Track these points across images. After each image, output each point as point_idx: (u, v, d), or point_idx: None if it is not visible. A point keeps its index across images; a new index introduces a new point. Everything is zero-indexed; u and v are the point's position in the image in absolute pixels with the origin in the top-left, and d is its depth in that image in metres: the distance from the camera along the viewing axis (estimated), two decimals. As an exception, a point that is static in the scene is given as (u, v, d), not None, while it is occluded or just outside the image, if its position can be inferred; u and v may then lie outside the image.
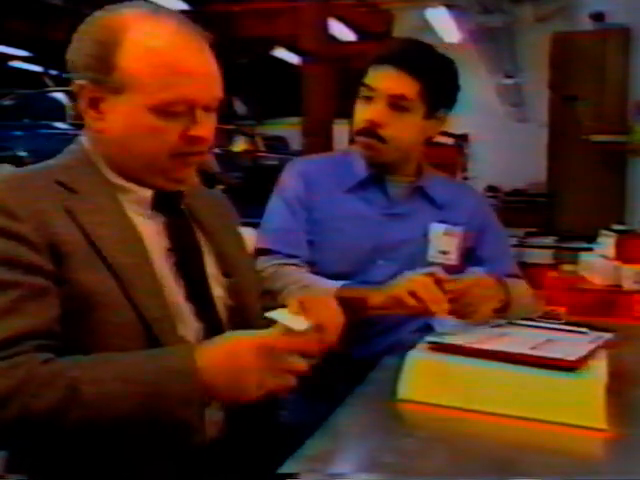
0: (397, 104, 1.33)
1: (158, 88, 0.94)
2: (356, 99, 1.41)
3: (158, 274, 0.96)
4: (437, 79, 1.35)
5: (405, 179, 1.44)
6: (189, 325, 0.98)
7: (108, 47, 0.94)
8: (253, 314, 1.09)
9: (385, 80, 1.34)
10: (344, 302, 1.24)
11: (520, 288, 1.40)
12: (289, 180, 1.46)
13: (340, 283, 1.31)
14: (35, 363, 0.82)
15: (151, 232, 1.00)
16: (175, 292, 0.98)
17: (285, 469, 0.79)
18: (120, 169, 0.99)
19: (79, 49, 0.97)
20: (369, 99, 1.36)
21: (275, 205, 1.46)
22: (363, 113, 1.36)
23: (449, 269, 1.33)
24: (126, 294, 0.91)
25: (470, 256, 1.43)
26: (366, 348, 1.38)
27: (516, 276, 1.46)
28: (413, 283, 1.20)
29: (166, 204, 1.02)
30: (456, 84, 1.42)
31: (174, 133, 0.96)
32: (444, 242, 1.36)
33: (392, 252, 1.38)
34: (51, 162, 1.02)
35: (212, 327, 1.00)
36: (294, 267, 1.37)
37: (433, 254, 1.37)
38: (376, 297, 1.26)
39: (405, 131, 1.36)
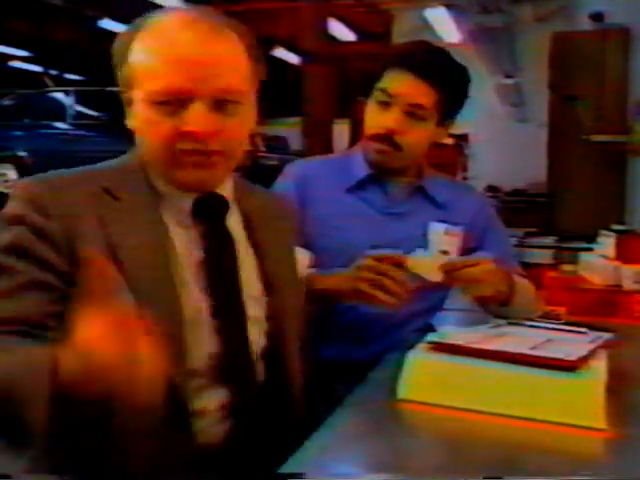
0: (414, 113, 1.34)
1: (148, 78, 0.91)
2: (366, 100, 1.41)
3: (179, 288, 0.93)
4: (455, 90, 1.36)
5: (405, 179, 1.44)
6: (205, 341, 0.95)
7: (126, 44, 0.95)
8: (289, 340, 1.05)
9: (405, 87, 1.33)
10: (313, 294, 1.26)
11: (525, 284, 1.40)
12: (281, 183, 1.47)
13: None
14: (8, 342, 0.83)
15: (185, 243, 0.96)
16: (197, 307, 0.95)
17: (285, 469, 0.79)
18: (154, 169, 0.98)
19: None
20: (386, 104, 1.35)
21: None
22: (379, 119, 1.36)
23: None
24: (139, 305, 0.87)
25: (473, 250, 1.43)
26: (365, 349, 1.38)
27: (521, 276, 1.46)
28: (366, 272, 1.20)
29: (207, 212, 0.99)
30: (467, 94, 1.42)
31: (167, 127, 0.91)
32: (444, 242, 1.36)
33: (391, 251, 1.38)
34: (106, 165, 1.01)
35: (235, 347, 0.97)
36: None
37: (433, 254, 1.37)
38: (341, 288, 1.25)
39: (419, 139, 1.37)
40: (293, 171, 1.49)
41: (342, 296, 1.27)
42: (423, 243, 1.37)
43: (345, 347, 1.40)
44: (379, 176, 1.43)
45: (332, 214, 1.41)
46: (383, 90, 1.35)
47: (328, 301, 1.30)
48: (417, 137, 1.36)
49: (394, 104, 1.34)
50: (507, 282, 1.30)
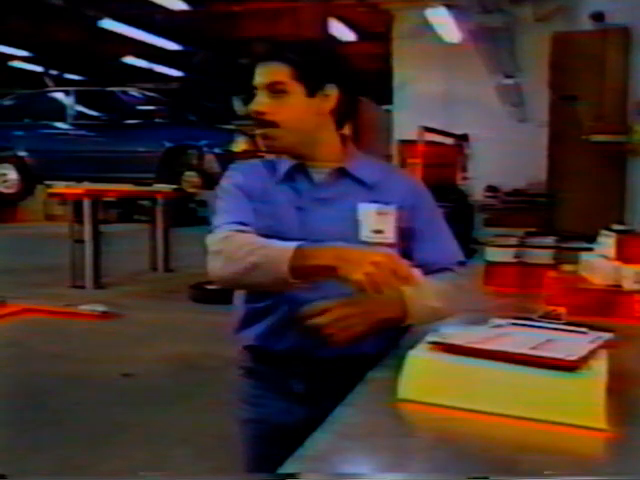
0: (274, 90, 1.42)
1: None
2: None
3: None
4: (306, 60, 1.43)
5: (328, 164, 1.47)
6: None
7: None
8: None
9: (261, 74, 1.45)
10: (303, 267, 1.25)
11: (428, 289, 1.37)
12: (224, 179, 1.52)
13: (294, 244, 1.28)
14: None
15: None
16: None
17: (285, 469, 0.79)
18: None
19: None
20: (253, 97, 1.46)
21: (218, 201, 1.49)
22: (249, 107, 1.46)
23: (387, 248, 1.34)
24: None
25: (407, 235, 1.44)
26: (328, 349, 1.34)
27: (450, 264, 1.46)
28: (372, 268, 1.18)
29: None
30: (331, 61, 1.47)
31: None
32: (378, 221, 1.38)
33: (322, 235, 1.35)
34: None
35: None
36: (247, 233, 1.38)
37: (367, 234, 1.39)
38: (349, 272, 1.21)
39: (290, 111, 1.42)
40: (232, 168, 1.55)
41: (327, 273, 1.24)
42: (354, 226, 1.38)
43: (301, 341, 1.38)
44: (304, 165, 1.47)
45: (267, 205, 1.44)
46: (252, 87, 1.47)
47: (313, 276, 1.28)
48: (287, 110, 1.42)
49: (258, 92, 1.45)
50: (399, 307, 1.30)
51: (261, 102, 1.44)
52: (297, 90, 1.42)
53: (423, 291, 1.34)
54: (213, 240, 1.37)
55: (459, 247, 1.52)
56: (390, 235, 1.40)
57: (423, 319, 1.34)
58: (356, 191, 1.45)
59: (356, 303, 1.29)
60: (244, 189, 1.47)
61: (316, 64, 1.45)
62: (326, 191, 1.45)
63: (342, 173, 1.47)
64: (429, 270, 1.40)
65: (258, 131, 1.46)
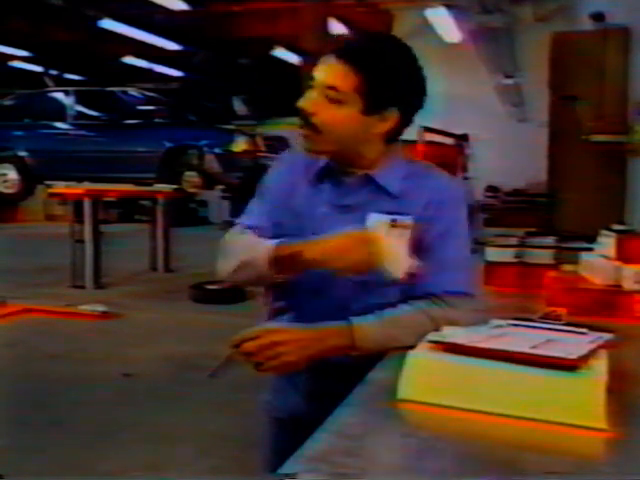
0: (331, 95, 1.30)
1: None
2: None
3: None
4: (380, 76, 1.29)
5: (356, 170, 1.39)
6: None
7: None
8: None
9: (324, 70, 1.32)
10: (281, 260, 1.28)
11: (385, 318, 1.30)
12: (270, 170, 1.51)
13: (276, 241, 1.30)
14: None
15: None
16: None
17: (285, 469, 0.79)
18: None
19: None
20: (310, 88, 1.34)
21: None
22: (300, 101, 1.35)
23: None
24: None
25: (415, 249, 1.29)
26: None
27: (440, 292, 1.32)
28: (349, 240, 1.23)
29: None
30: (404, 84, 1.33)
31: None
32: (390, 234, 1.27)
33: None
34: None
35: None
36: (247, 235, 1.40)
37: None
38: (312, 251, 1.24)
39: (337, 122, 1.31)
40: (283, 159, 1.53)
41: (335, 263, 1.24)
42: None
43: None
44: (334, 167, 1.40)
45: (292, 206, 1.41)
46: (311, 76, 1.34)
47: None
48: (333, 120, 1.31)
49: (315, 87, 1.33)
50: (313, 342, 1.26)
51: (312, 102, 1.32)
52: (355, 104, 1.30)
53: (377, 320, 1.29)
54: (222, 242, 1.44)
55: (466, 276, 1.38)
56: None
57: (376, 348, 1.26)
58: (380, 201, 1.35)
59: (290, 331, 1.27)
60: (275, 188, 1.44)
61: (387, 84, 1.30)
62: (348, 198, 1.38)
63: (368, 180, 1.38)
64: (417, 292, 1.32)
65: (300, 130, 1.36)
